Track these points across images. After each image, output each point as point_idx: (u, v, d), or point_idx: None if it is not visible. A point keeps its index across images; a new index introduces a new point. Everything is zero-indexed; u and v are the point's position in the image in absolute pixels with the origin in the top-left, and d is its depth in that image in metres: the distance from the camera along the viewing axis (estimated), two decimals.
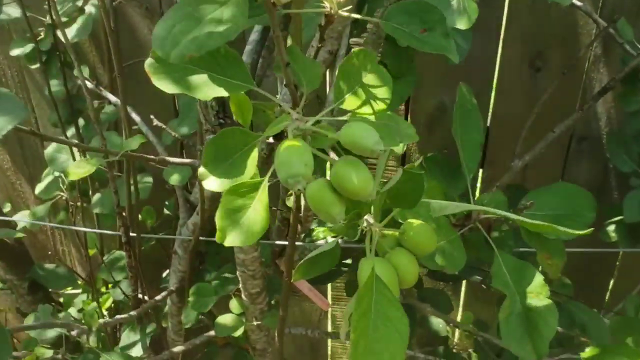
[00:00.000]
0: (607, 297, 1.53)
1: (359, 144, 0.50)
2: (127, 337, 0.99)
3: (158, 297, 1.12)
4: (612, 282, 1.51)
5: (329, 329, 1.70)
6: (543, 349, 0.68)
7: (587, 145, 1.36)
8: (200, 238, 1.07)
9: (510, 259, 0.74)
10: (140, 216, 1.35)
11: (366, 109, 0.58)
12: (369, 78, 0.60)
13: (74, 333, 0.80)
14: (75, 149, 1.19)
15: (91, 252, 1.35)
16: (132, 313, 1.01)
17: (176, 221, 1.33)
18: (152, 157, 0.75)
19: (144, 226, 1.37)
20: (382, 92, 0.60)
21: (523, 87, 1.28)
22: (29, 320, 0.93)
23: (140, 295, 1.14)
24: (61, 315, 0.96)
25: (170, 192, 1.33)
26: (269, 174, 0.53)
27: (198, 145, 0.92)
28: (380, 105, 0.59)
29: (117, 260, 1.31)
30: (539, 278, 0.72)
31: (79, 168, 0.75)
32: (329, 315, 1.71)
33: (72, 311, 1.25)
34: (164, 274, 1.49)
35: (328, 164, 0.68)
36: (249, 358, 1.22)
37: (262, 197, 0.51)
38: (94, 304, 1.07)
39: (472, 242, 0.79)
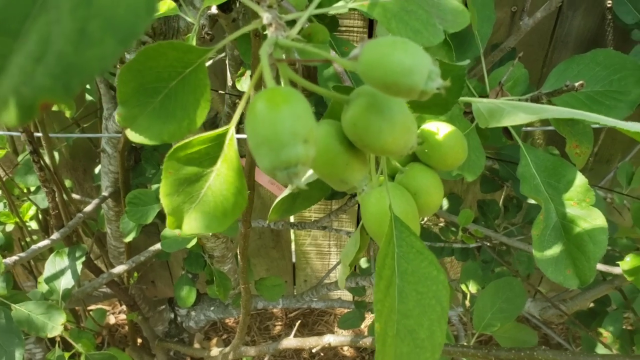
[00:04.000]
0: None
1: (401, 82, 0.26)
2: (52, 265, 0.80)
3: (88, 208, 0.91)
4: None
5: (291, 217, 1.55)
6: (588, 274, 0.52)
7: None
8: None
9: (541, 154, 0.57)
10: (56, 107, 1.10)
11: None
12: None
13: None
14: None
15: (1, 153, 1.11)
16: (54, 237, 0.81)
17: (101, 109, 1.09)
18: None
19: (63, 118, 1.13)
20: None
21: None
22: None
23: (64, 208, 0.92)
24: None
25: None
26: (237, 116, 0.32)
27: None
28: None
29: None
30: (580, 179, 0.55)
31: None
32: None
33: None
34: (97, 170, 1.27)
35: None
36: (203, 261, 1.07)
37: (230, 155, 0.32)
38: None
39: (488, 135, 0.60)
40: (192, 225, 0.38)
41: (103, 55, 0.16)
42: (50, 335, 0.70)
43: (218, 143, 0.36)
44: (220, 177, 0.36)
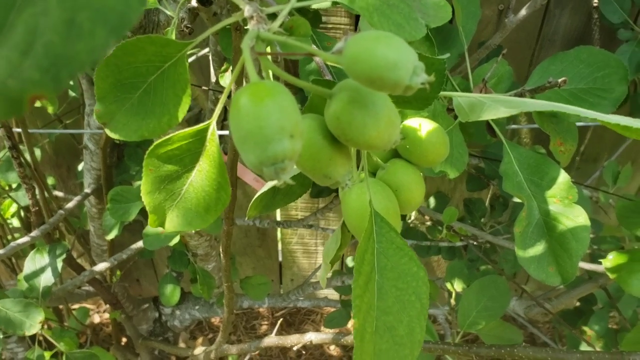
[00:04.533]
0: None
1: (386, 76, 0.26)
2: (32, 262, 0.79)
3: (69, 205, 0.90)
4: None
5: (278, 216, 1.54)
6: (570, 271, 0.52)
7: None
8: None
9: (524, 152, 0.56)
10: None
11: None
12: None
13: None
14: None
15: None
16: (34, 234, 0.80)
17: (84, 105, 1.08)
18: None
19: (46, 114, 1.11)
20: None
21: None
22: None
23: (51, 204, 0.91)
24: None
25: None
26: (218, 111, 0.32)
27: None
28: None
29: None
30: (563, 177, 0.54)
31: None
32: None
33: None
34: (80, 167, 1.26)
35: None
36: (187, 259, 1.06)
37: (211, 150, 0.31)
38: None
39: (472, 132, 0.60)
40: (174, 222, 0.38)
41: (93, 47, 0.15)
42: (28, 334, 0.69)
43: (199, 139, 0.35)
44: (202, 173, 0.36)
